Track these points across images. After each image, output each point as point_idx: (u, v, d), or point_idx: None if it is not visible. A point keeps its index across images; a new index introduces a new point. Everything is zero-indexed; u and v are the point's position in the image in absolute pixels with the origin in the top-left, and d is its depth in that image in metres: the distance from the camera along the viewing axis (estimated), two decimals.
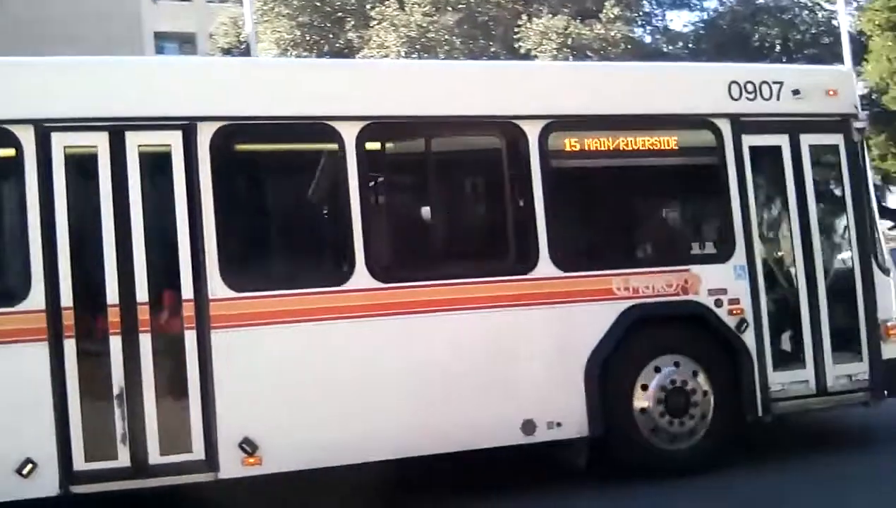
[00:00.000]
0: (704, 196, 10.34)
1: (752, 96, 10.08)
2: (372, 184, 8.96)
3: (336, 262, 9.06)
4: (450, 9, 33.19)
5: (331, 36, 34.79)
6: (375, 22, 32.50)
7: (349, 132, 8.85)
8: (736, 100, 10.03)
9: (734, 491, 9.05)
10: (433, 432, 8.85)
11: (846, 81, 10.75)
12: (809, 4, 38.92)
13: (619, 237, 10.51)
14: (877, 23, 29.49)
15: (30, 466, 7.88)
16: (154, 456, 8.20)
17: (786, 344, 10.06)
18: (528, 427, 9.06)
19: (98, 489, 8.09)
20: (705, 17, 40.89)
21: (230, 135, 8.66)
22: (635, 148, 9.84)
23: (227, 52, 36.45)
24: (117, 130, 8.35)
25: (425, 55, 31.53)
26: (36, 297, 8.01)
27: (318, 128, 8.96)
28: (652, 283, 9.54)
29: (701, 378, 9.67)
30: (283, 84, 9.13)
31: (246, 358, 8.42)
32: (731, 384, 9.72)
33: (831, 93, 10.39)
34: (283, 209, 9.71)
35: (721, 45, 35.36)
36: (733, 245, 9.84)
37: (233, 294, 8.44)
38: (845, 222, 10.45)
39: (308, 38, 34.23)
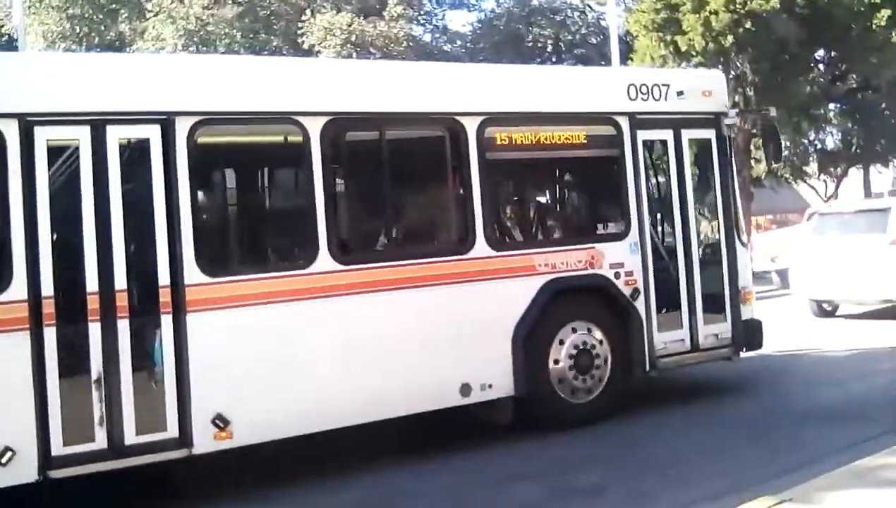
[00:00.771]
0: (607, 183, 8.93)
1: (645, 97, 8.74)
2: (333, 174, 7.22)
3: (301, 247, 7.24)
4: (230, 2, 27.29)
5: (102, 28, 27.78)
6: (151, 14, 25.79)
7: (313, 126, 7.08)
8: (633, 100, 8.68)
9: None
10: (386, 399, 7.29)
11: (719, 84, 9.47)
12: (580, 6, 34.94)
13: (540, 219, 9.19)
14: (643, 23, 26.40)
15: (9, 454, 5.97)
16: (130, 437, 6.36)
17: (667, 309, 8.82)
18: (465, 389, 7.64)
19: (76, 472, 6.22)
20: (482, 17, 35.64)
21: (205, 129, 6.76)
22: (553, 142, 8.41)
23: None
24: (98, 124, 6.37)
25: (203, 49, 25.40)
26: (17, 287, 6.04)
27: (286, 122, 7.17)
28: (566, 260, 8.19)
29: (603, 340, 8.42)
30: (253, 81, 7.22)
31: (218, 339, 6.66)
32: (625, 345, 8.52)
33: (706, 94, 9.17)
34: (253, 198, 7.88)
35: (497, 45, 31.69)
36: (629, 225, 8.60)
37: (207, 279, 6.63)
38: (715, 204, 9.26)
39: (78, 31, 27.24)
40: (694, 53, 25.47)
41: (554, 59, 33.90)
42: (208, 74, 7.18)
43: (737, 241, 9.22)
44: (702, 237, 9.28)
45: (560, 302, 8.10)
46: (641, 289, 8.52)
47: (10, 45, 19.77)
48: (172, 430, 6.49)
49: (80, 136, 6.33)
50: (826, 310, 15.46)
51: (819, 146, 32.61)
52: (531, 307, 7.94)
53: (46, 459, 6.06)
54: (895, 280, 13.51)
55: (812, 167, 32.81)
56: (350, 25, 25.82)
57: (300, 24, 26.45)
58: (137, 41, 26.10)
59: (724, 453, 7.26)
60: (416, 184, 8.25)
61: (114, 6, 27.64)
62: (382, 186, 7.63)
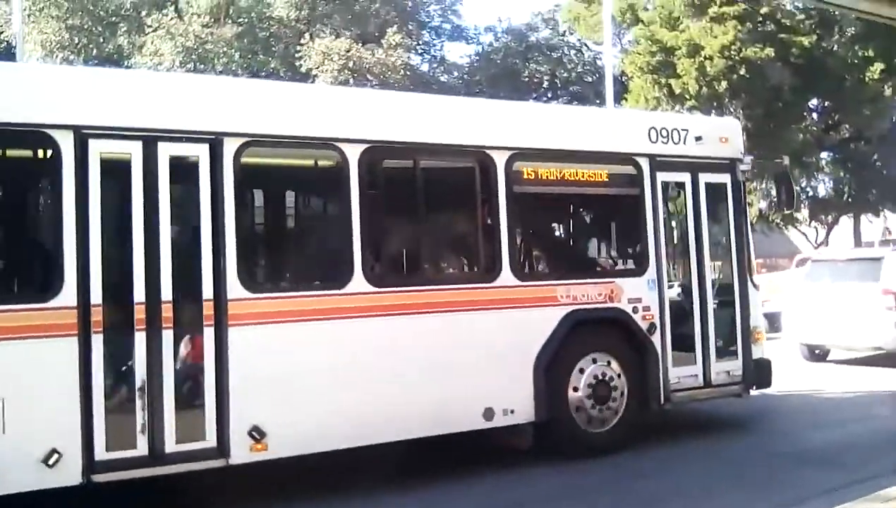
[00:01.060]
0: (627, 220, 9.30)
1: (665, 140, 9.13)
2: (369, 200, 7.50)
3: (337, 268, 7.49)
4: (230, 21, 28.00)
5: (101, 40, 28.18)
6: (151, 29, 26.14)
7: (353, 152, 7.40)
8: (654, 143, 9.06)
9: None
10: (415, 418, 7.55)
11: (735, 131, 9.88)
12: (577, 45, 36.15)
13: (563, 252, 9.60)
14: (638, 65, 27.23)
15: (56, 456, 6.18)
16: (170, 445, 6.58)
17: (681, 344, 9.13)
18: (489, 414, 7.89)
19: (117, 477, 6.44)
20: (480, 50, 36.63)
21: (251, 150, 7.06)
22: (576, 178, 8.75)
23: None
24: (150, 140, 6.66)
25: (201, 67, 25.92)
26: (68, 294, 6.28)
27: (326, 147, 7.47)
28: (587, 292, 8.49)
29: (620, 372, 8.69)
30: (297, 106, 7.54)
31: (257, 353, 6.89)
32: (641, 377, 8.79)
33: (723, 140, 9.57)
34: (294, 219, 8.25)
35: (494, 78, 32.66)
36: (647, 261, 8.92)
37: (248, 294, 6.89)
38: (729, 246, 9.61)
39: (76, 42, 27.57)
40: (688, 97, 25.90)
41: (549, 95, 34.57)
42: (255, 98, 7.50)
43: (749, 282, 9.54)
44: (715, 277, 9.55)
45: (580, 332, 8.36)
46: (658, 324, 8.81)
47: (9, 52, 19.96)
48: (211, 440, 6.70)
49: (133, 151, 6.61)
50: (817, 355, 15.65)
51: (811, 193, 33.03)
52: (553, 336, 8.21)
53: (90, 463, 6.27)
54: (886, 327, 13.81)
55: (803, 214, 33.26)
56: (348, 51, 26.32)
57: (298, 48, 26.93)
58: (135, 55, 26.39)
59: (725, 489, 7.48)
60: (447, 212, 8.54)
61: (113, 19, 28.00)
62: (415, 213, 7.94)
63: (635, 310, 8.72)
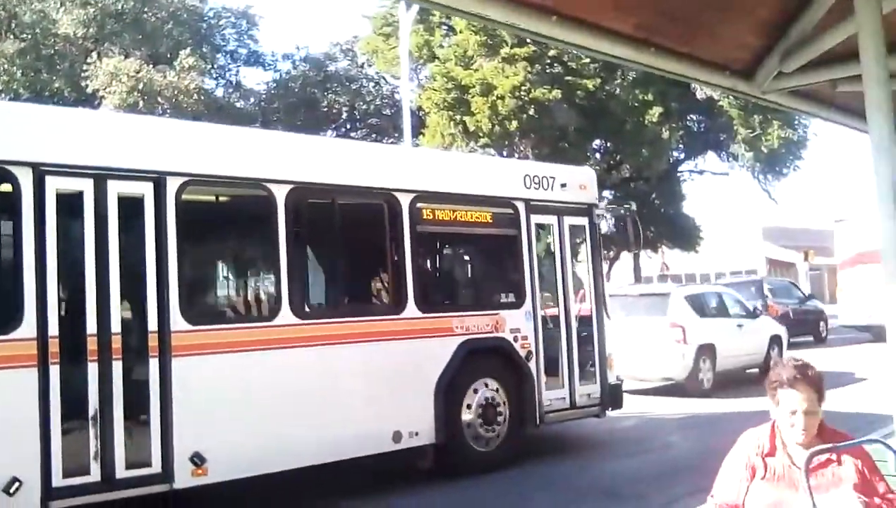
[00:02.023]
0: (508, 258, 10.33)
1: (537, 186, 10.32)
2: (294, 236, 8.16)
3: (268, 301, 8.11)
4: (11, 36, 27.31)
5: None
6: None
7: (280, 192, 8.06)
8: (528, 188, 10.23)
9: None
10: (336, 442, 8.24)
11: (591, 180, 11.22)
12: (375, 78, 36.48)
13: (457, 286, 10.55)
14: (434, 101, 28.10)
15: (17, 485, 6.43)
16: (120, 471, 6.94)
17: (551, 370, 10.27)
18: (397, 436, 8.72)
19: (73, 503, 6.73)
20: (278, 77, 36.43)
21: (191, 189, 7.58)
22: (467, 219, 9.79)
23: None
24: (101, 177, 7.07)
25: None
26: (28, 326, 6.57)
27: (257, 187, 8.08)
28: (477, 323, 9.51)
29: (503, 395, 9.73)
30: (232, 148, 8.13)
31: (197, 382, 7.37)
32: (520, 400, 9.84)
33: (583, 187, 10.90)
34: (229, 254, 8.75)
35: (292, 107, 32.95)
36: (525, 295, 10.02)
37: (189, 326, 7.37)
38: (587, 281, 10.94)
39: None
40: (481, 134, 26.92)
41: (348, 127, 35.06)
42: (195, 139, 8.03)
43: (604, 313, 10.87)
44: (578, 308, 10.79)
45: (472, 360, 9.32)
46: (534, 352, 9.91)
47: None
48: (156, 466, 7.10)
49: (85, 188, 6.97)
50: None
51: None
52: (450, 364, 9.13)
53: (48, 490, 6.53)
54: (674, 359, 15.26)
55: None
56: (138, 72, 25.82)
57: (85, 67, 26.18)
58: None
59: None
60: (362, 249, 9.26)
61: None
62: (334, 249, 8.68)
63: (516, 339, 9.79)
